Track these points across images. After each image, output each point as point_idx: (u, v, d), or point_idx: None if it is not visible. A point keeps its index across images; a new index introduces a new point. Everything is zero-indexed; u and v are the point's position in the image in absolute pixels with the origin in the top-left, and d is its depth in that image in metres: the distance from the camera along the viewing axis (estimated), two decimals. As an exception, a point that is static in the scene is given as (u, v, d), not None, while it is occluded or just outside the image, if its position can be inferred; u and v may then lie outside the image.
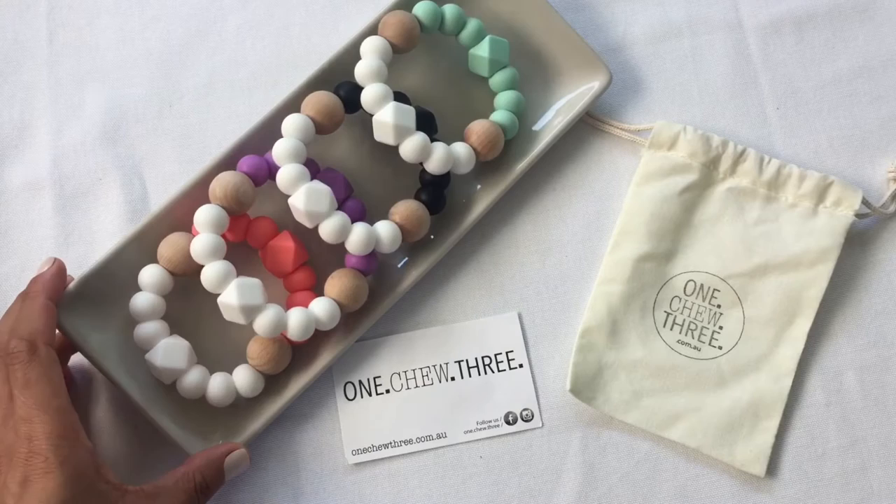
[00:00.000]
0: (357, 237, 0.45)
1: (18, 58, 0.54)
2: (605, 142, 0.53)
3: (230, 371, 0.46)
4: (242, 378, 0.45)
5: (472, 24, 0.50)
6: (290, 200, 0.45)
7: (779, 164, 0.51)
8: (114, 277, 0.47)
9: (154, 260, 0.46)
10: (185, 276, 0.46)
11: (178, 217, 0.47)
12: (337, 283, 0.46)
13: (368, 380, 0.49)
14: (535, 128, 0.52)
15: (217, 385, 0.45)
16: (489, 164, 0.51)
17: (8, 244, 0.51)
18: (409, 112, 0.47)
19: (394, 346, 0.49)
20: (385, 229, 0.46)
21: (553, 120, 0.51)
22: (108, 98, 0.53)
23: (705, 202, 0.51)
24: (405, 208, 0.47)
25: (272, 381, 0.47)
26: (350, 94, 0.48)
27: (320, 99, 0.47)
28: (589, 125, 0.53)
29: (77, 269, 0.47)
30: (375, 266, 0.48)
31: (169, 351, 0.45)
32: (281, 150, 0.46)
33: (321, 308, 0.45)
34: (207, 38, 0.55)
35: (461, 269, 0.51)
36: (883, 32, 0.55)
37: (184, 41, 0.55)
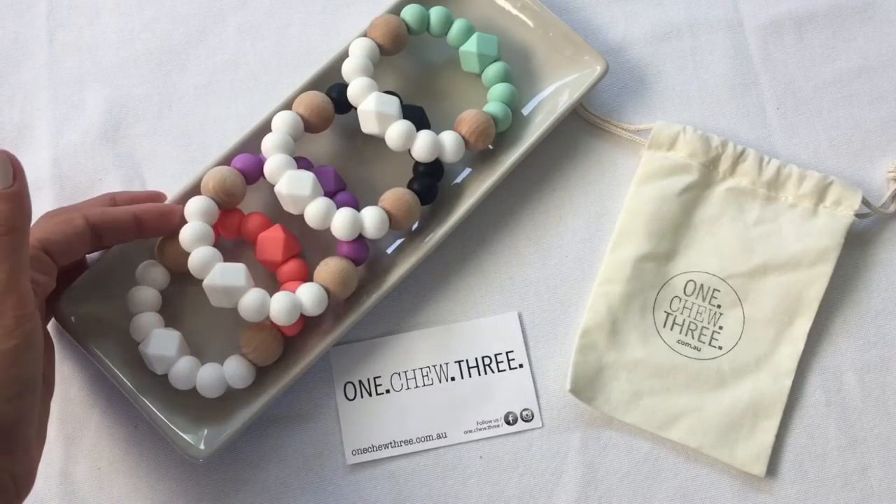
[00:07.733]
0: (341, 220, 0.46)
1: (18, 58, 0.54)
2: (605, 142, 0.53)
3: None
4: (233, 368, 0.45)
5: (458, 24, 0.51)
6: (275, 189, 0.46)
7: (779, 164, 0.51)
8: (114, 277, 0.47)
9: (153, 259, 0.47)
10: (183, 273, 0.46)
11: (177, 217, 0.47)
12: (324, 269, 0.46)
13: (368, 380, 0.49)
14: (531, 119, 0.52)
15: (207, 374, 0.45)
16: (485, 156, 0.51)
17: (8, 244, 0.51)
18: (392, 101, 0.47)
19: (394, 346, 0.49)
20: (371, 214, 0.46)
21: (549, 110, 0.51)
22: (108, 98, 0.53)
23: (705, 202, 0.51)
24: (393, 195, 0.47)
25: (264, 374, 0.47)
26: (341, 95, 0.49)
27: (310, 98, 0.48)
28: (589, 125, 0.53)
29: (77, 269, 0.47)
30: (366, 255, 0.48)
31: (160, 339, 0.45)
32: (269, 143, 0.47)
33: (307, 293, 0.45)
34: (207, 38, 0.55)
35: (461, 269, 0.51)
36: (883, 32, 0.55)
37: (184, 41, 0.55)
